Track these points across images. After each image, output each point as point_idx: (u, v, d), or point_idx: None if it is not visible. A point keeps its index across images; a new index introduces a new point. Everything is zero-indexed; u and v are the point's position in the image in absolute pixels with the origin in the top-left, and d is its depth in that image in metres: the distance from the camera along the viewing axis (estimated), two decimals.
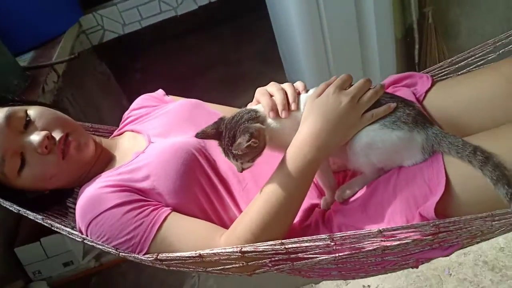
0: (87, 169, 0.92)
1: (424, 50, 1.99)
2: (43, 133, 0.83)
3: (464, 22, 1.98)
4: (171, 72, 2.97)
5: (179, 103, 1.04)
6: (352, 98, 0.75)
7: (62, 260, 1.94)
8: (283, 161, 0.76)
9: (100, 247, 0.78)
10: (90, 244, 0.79)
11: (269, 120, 0.77)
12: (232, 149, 0.73)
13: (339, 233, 0.68)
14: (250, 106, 0.83)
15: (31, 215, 0.83)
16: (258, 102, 0.82)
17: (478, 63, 0.95)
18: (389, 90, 0.97)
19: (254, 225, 0.74)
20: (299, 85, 0.82)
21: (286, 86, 0.81)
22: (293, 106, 0.77)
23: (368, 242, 0.67)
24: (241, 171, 0.77)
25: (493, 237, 0.73)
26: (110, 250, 0.78)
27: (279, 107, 0.77)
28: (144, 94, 1.13)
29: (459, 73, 0.98)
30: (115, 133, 1.09)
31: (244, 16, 3.05)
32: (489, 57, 0.93)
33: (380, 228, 0.65)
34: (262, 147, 0.75)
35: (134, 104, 1.11)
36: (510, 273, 1.27)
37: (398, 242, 0.66)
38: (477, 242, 0.73)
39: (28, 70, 1.82)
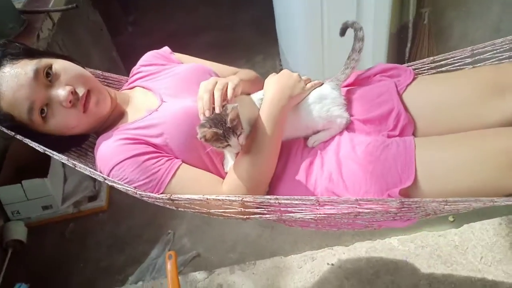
0: (104, 120, 1.01)
1: (415, 48, 2.06)
2: (68, 88, 0.91)
3: (457, 26, 2.05)
4: (163, 29, 2.94)
5: (188, 66, 1.11)
6: (297, 75, 0.99)
7: (42, 203, 2.01)
8: (259, 115, 0.93)
9: (120, 187, 0.90)
10: (110, 184, 0.91)
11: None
12: (229, 123, 0.83)
13: (325, 197, 0.86)
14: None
15: (56, 155, 0.93)
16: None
17: (456, 65, 1.07)
18: (376, 78, 1.09)
19: (246, 174, 0.90)
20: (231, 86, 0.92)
21: (219, 88, 0.89)
22: (217, 110, 0.86)
23: (345, 206, 0.83)
24: (240, 149, 0.88)
25: (442, 215, 0.91)
26: (130, 190, 0.90)
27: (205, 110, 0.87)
28: (152, 51, 1.18)
29: (439, 69, 1.09)
30: (125, 86, 1.15)
31: None
32: (466, 60, 1.05)
33: (357, 198, 0.82)
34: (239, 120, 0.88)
35: (142, 61, 1.16)
36: (459, 268, 1.42)
37: (368, 211, 0.82)
38: (430, 218, 0.92)
39: (24, 14, 1.78)
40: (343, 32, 1.06)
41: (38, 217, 2.05)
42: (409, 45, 2.05)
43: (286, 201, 0.84)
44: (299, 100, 0.99)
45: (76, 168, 0.94)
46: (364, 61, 1.90)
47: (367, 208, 0.82)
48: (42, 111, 0.91)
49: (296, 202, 0.84)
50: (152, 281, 1.77)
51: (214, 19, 3.16)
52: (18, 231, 1.95)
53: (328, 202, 0.83)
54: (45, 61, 0.93)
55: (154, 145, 0.93)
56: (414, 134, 0.98)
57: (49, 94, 0.91)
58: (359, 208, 0.82)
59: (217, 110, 0.85)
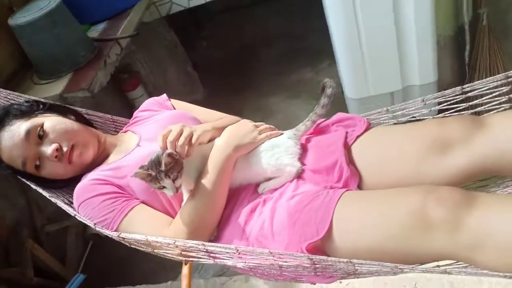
0: (90, 164, 1.15)
1: (476, 52, 1.88)
2: (54, 146, 1.06)
3: None
4: (235, 41, 3.09)
5: (170, 113, 1.22)
6: (254, 125, 1.05)
7: None
8: (207, 163, 0.97)
9: (86, 222, 1.02)
10: (79, 219, 1.03)
11: None
12: (161, 167, 0.88)
13: (243, 247, 0.87)
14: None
15: (43, 192, 1.11)
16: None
17: (416, 115, 1.03)
18: (332, 127, 1.10)
19: (188, 218, 0.94)
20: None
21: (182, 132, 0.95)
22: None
23: (263, 259, 0.83)
24: (176, 192, 0.91)
25: (370, 277, 0.87)
26: (91, 225, 1.01)
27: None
28: (150, 98, 1.31)
29: (399, 119, 1.07)
30: (123, 129, 1.31)
31: None
32: (422, 111, 1.01)
33: (271, 250, 0.82)
34: (181, 163, 0.92)
35: (142, 106, 1.30)
36: None
37: (287, 263, 0.82)
38: (358, 278, 0.88)
39: (96, 42, 2.08)
40: (322, 91, 1.07)
41: None
42: (467, 48, 1.87)
43: (211, 248, 0.87)
44: (248, 149, 1.02)
45: (57, 204, 1.08)
46: (410, 71, 1.80)
47: (283, 261, 0.82)
48: (36, 164, 1.08)
49: (219, 249, 0.86)
50: (198, 279, 1.92)
51: (285, 28, 3.23)
52: None
53: (247, 252, 0.85)
54: (37, 120, 1.09)
55: (118, 186, 1.03)
56: (359, 187, 0.96)
57: (39, 150, 1.07)
58: (277, 261, 0.82)
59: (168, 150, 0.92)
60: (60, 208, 1.09)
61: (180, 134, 0.95)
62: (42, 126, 1.09)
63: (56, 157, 1.07)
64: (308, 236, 0.86)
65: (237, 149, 1.00)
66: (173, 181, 0.90)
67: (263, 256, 0.83)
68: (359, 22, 1.70)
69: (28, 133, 1.07)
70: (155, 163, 0.89)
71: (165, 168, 0.88)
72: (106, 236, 1.02)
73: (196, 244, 0.87)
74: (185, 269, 1.53)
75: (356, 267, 0.76)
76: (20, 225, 1.91)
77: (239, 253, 0.85)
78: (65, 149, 1.08)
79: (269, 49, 3.15)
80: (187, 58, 2.94)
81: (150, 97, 1.36)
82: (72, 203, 1.08)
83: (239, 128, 1.05)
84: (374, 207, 0.85)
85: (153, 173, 0.89)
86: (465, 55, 1.90)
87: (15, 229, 1.88)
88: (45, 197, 1.11)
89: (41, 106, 1.16)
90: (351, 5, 1.66)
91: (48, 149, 1.07)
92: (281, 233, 0.90)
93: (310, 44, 3.06)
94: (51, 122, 1.11)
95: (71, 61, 1.92)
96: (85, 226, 2.30)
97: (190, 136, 0.95)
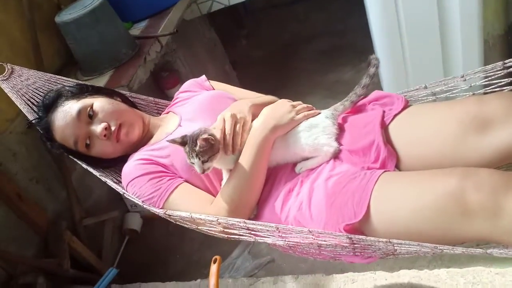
0: (136, 144, 1.18)
1: None
2: (103, 125, 1.11)
3: None
4: (275, 40, 3.07)
5: (209, 93, 1.23)
6: (291, 105, 1.03)
7: None
8: (246, 143, 0.98)
9: (134, 200, 1.05)
10: (127, 197, 1.07)
11: None
12: (196, 147, 0.90)
13: (282, 225, 0.88)
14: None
15: (93, 171, 1.16)
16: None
17: (454, 92, 1.00)
18: (369, 106, 1.08)
19: (228, 198, 0.97)
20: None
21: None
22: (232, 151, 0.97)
23: (303, 237, 0.84)
24: (203, 172, 0.93)
25: (408, 256, 0.85)
26: (139, 203, 1.04)
27: (226, 147, 0.98)
28: (190, 79, 1.33)
29: (438, 96, 1.03)
30: (165, 110, 1.33)
31: None
32: (462, 87, 0.98)
33: (310, 229, 0.82)
34: (217, 149, 0.94)
35: (182, 88, 1.32)
36: None
37: (326, 243, 0.83)
38: (396, 258, 0.87)
39: (138, 39, 2.11)
40: (367, 65, 1.06)
41: (152, 211, 2.39)
42: None
43: (252, 226, 0.88)
44: (286, 130, 1.02)
45: (107, 183, 1.12)
46: (454, 71, 1.70)
47: (323, 240, 0.81)
48: (86, 143, 1.13)
49: (260, 227, 0.87)
50: (227, 279, 1.91)
51: (326, 26, 3.16)
52: (135, 222, 2.32)
53: (287, 230, 0.85)
54: (87, 101, 1.14)
55: (163, 165, 1.06)
56: (397, 168, 0.92)
57: (89, 129, 1.12)
58: (316, 239, 0.81)
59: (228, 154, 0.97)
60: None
61: (235, 123, 0.98)
62: (91, 106, 1.13)
63: (105, 135, 1.11)
64: (346, 218, 0.85)
65: (275, 130, 1.00)
66: (203, 162, 0.92)
67: (303, 235, 0.84)
68: (400, 16, 1.63)
69: (79, 113, 1.11)
70: (193, 140, 0.91)
71: (198, 149, 0.91)
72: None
73: (237, 221, 0.90)
74: (213, 268, 1.52)
75: (396, 247, 0.75)
76: (60, 217, 1.97)
77: (279, 231, 0.86)
78: (113, 128, 1.12)
79: (308, 47, 3.10)
80: (226, 57, 2.95)
81: None
82: (120, 182, 1.12)
83: (277, 109, 1.04)
84: (411, 189, 0.83)
85: (187, 149, 0.92)
86: None
87: (55, 221, 1.94)
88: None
89: (90, 88, 1.21)
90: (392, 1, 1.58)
91: (98, 127, 1.11)
92: (319, 214, 0.90)
93: (351, 42, 2.98)
94: (99, 102, 1.15)
95: (113, 58, 1.97)
96: (122, 220, 2.38)
97: (243, 125, 0.98)
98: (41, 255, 1.89)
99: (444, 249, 0.71)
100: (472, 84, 0.97)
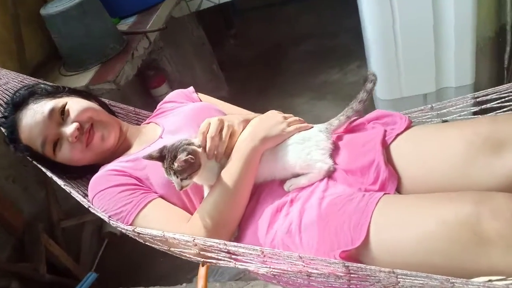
0: (110, 153, 1.09)
1: None
2: (74, 125, 1.02)
3: None
4: (264, 40, 3.03)
5: (195, 105, 1.15)
6: (283, 116, 0.97)
7: None
8: (231, 154, 0.90)
9: (100, 215, 0.95)
10: (93, 211, 0.96)
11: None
12: (173, 165, 0.82)
13: (268, 249, 0.78)
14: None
15: (58, 181, 1.05)
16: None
17: (461, 113, 0.94)
18: (369, 125, 1.00)
19: (208, 215, 0.87)
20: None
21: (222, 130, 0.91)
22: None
23: (291, 263, 0.74)
24: (181, 189, 0.85)
25: None
26: (105, 218, 0.93)
27: (208, 151, 0.89)
28: (178, 89, 1.25)
29: (443, 119, 0.98)
30: (146, 121, 1.25)
31: None
32: (471, 110, 0.92)
33: (300, 254, 0.72)
34: (198, 166, 0.85)
35: (167, 98, 1.24)
36: None
37: (317, 271, 0.73)
38: None
39: (125, 35, 2.04)
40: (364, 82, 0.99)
41: None
42: (508, 49, 1.75)
43: (233, 248, 0.78)
44: (276, 142, 0.94)
45: (71, 194, 1.02)
46: (446, 72, 1.70)
47: (313, 269, 0.73)
48: (54, 145, 1.03)
49: (242, 250, 0.77)
50: (214, 283, 1.85)
51: (316, 27, 3.14)
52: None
53: (273, 255, 0.75)
54: (61, 100, 1.06)
55: (136, 178, 0.97)
56: (398, 191, 0.86)
57: (59, 130, 1.03)
58: (306, 267, 0.73)
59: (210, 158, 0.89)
60: (78, 203, 1.02)
61: (220, 129, 0.90)
62: (65, 105, 1.05)
63: (76, 137, 1.02)
64: (342, 244, 0.77)
65: (264, 141, 0.92)
66: (181, 180, 0.84)
67: (291, 261, 0.74)
68: (395, 17, 1.61)
69: (52, 111, 1.03)
70: (171, 156, 0.84)
71: (176, 168, 0.83)
72: (122, 235, 0.95)
73: (217, 243, 0.79)
74: (201, 270, 1.45)
75: (399, 279, 0.66)
76: (36, 219, 1.87)
77: (264, 256, 0.76)
78: (86, 126, 1.04)
79: (297, 48, 3.07)
80: (214, 56, 2.89)
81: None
82: (87, 195, 1.03)
83: (267, 119, 0.96)
84: (418, 215, 0.75)
85: (165, 165, 0.84)
86: (504, 58, 1.78)
87: (31, 222, 1.84)
88: (63, 190, 1.05)
89: (66, 89, 1.13)
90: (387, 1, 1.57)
91: (69, 128, 1.03)
92: (310, 238, 0.81)
93: (340, 44, 2.97)
94: (73, 102, 1.07)
95: (99, 53, 1.89)
96: (101, 223, 2.29)
97: (230, 131, 0.91)
98: (16, 258, 1.78)
99: (457, 283, 0.63)
100: (482, 107, 0.92)
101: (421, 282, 0.65)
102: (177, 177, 0.83)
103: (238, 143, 0.92)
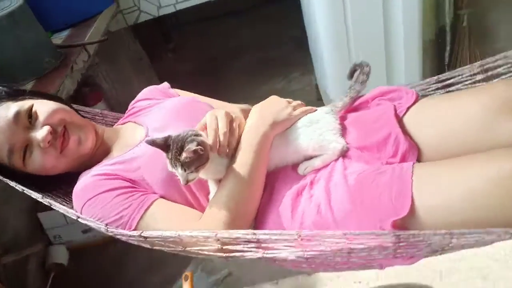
0: (87, 158, 0.99)
1: (455, 53, 1.91)
2: (46, 128, 0.92)
3: (503, 27, 1.88)
4: (203, 53, 3.00)
5: (179, 99, 1.09)
6: (286, 100, 0.95)
7: (81, 227, 2.07)
8: (240, 143, 0.87)
9: (93, 225, 0.86)
10: (84, 222, 0.87)
11: None
12: (180, 156, 0.77)
13: (307, 230, 0.75)
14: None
15: (33, 194, 0.93)
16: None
17: (466, 83, 0.95)
18: (374, 102, 1.00)
19: (224, 208, 0.82)
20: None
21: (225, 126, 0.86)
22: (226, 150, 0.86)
23: (333, 242, 0.71)
24: (186, 183, 0.80)
25: (454, 251, 0.76)
26: (102, 227, 0.85)
27: (221, 148, 0.85)
28: (150, 86, 1.18)
29: (448, 89, 0.97)
30: (119, 121, 1.16)
31: (282, 0, 3.04)
32: (477, 77, 0.93)
33: (344, 231, 0.69)
34: (206, 158, 0.81)
35: (140, 95, 1.16)
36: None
37: (361, 246, 0.69)
38: (443, 254, 0.76)
39: (61, 48, 1.90)
40: (350, 75, 0.98)
41: (79, 241, 2.13)
42: (448, 48, 1.90)
43: (264, 236, 0.74)
44: (285, 126, 0.92)
45: (51, 206, 0.91)
46: (396, 71, 1.79)
47: (358, 244, 0.70)
48: (21, 153, 0.92)
49: (276, 237, 0.73)
50: None
51: (255, 40, 3.18)
52: (60, 255, 2.03)
53: (312, 236, 0.72)
54: (27, 102, 0.95)
55: (130, 180, 0.90)
56: (419, 160, 0.86)
57: (28, 136, 0.92)
58: (349, 243, 0.70)
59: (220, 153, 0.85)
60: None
61: (229, 122, 0.85)
62: (31, 107, 0.93)
63: (49, 142, 0.91)
64: (383, 216, 0.75)
65: (274, 126, 0.90)
66: (187, 174, 0.79)
67: (333, 239, 0.70)
68: (348, 21, 1.67)
69: (17, 115, 0.91)
70: (178, 147, 0.78)
71: (184, 160, 0.77)
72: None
73: (244, 233, 0.74)
74: (185, 285, 1.36)
75: (453, 240, 0.65)
76: None
77: (302, 239, 0.71)
78: (59, 129, 0.94)
79: (239, 60, 3.09)
80: (153, 71, 2.80)
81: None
82: (68, 202, 0.93)
83: (272, 105, 0.94)
84: (459, 176, 0.74)
85: (169, 156, 0.78)
86: (445, 56, 1.93)
87: None
88: None
89: (27, 91, 1.02)
90: (341, 5, 1.62)
91: (40, 132, 0.92)
92: (346, 215, 0.78)
93: (282, 54, 3.03)
94: (40, 103, 0.96)
95: (33, 67, 1.73)
96: (45, 255, 2.08)
97: (239, 125, 0.87)
98: None
99: None
100: (490, 73, 0.92)
101: (476, 238, 0.64)
102: (184, 170, 0.78)
103: (247, 131, 0.89)
